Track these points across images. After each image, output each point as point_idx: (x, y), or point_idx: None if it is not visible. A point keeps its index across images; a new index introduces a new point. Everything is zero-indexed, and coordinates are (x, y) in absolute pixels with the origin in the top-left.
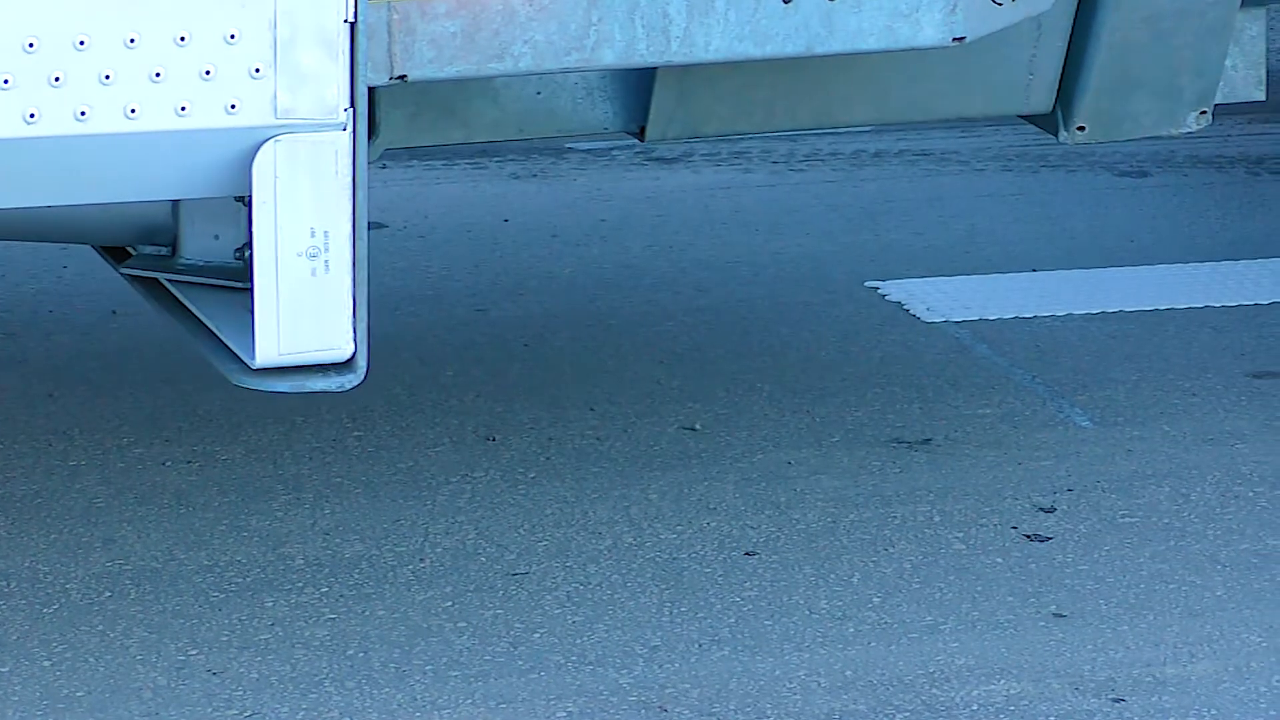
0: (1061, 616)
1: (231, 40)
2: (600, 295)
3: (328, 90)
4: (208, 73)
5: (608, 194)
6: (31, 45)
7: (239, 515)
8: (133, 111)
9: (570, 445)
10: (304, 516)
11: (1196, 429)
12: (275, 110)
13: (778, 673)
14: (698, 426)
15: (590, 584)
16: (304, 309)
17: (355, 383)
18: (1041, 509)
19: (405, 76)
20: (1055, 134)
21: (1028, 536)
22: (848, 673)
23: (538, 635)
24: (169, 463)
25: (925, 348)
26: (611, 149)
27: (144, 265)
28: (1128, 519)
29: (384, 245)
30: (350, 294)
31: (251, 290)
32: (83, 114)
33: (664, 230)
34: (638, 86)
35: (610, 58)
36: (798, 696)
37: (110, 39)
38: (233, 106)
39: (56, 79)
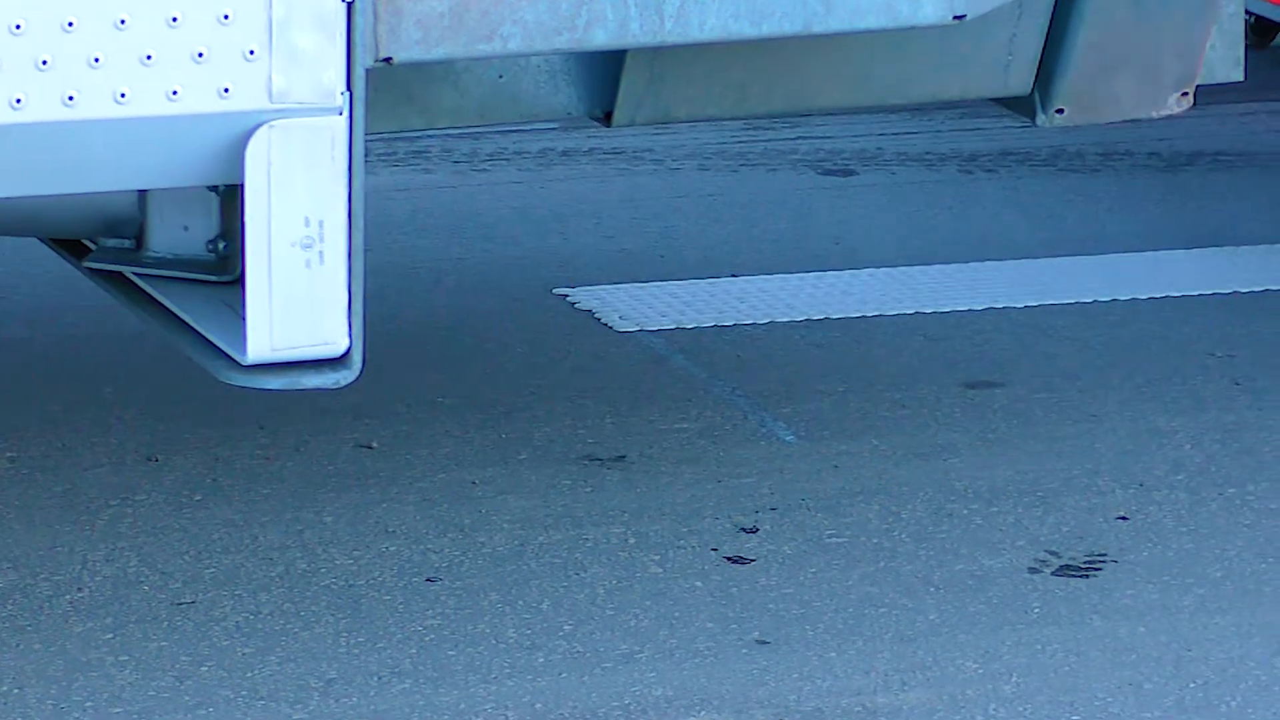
0: (765, 643)
1: (225, 21)
2: None
3: (324, 73)
4: (200, 55)
5: None
6: (18, 28)
7: None
8: (123, 96)
9: (238, 465)
10: None
11: (907, 443)
12: (270, 94)
13: (463, 706)
14: (375, 444)
15: (261, 613)
16: (297, 302)
17: (350, 379)
18: (743, 529)
19: (391, 59)
20: (1032, 117)
21: (729, 559)
22: (538, 705)
23: (205, 668)
24: None
25: (618, 358)
26: None
27: (108, 259)
28: (835, 539)
29: (43, 254)
30: (345, 286)
31: (242, 283)
32: (71, 99)
33: None
34: (604, 70)
35: (602, 38)
36: None
37: (99, 21)
38: (226, 90)
39: (44, 63)
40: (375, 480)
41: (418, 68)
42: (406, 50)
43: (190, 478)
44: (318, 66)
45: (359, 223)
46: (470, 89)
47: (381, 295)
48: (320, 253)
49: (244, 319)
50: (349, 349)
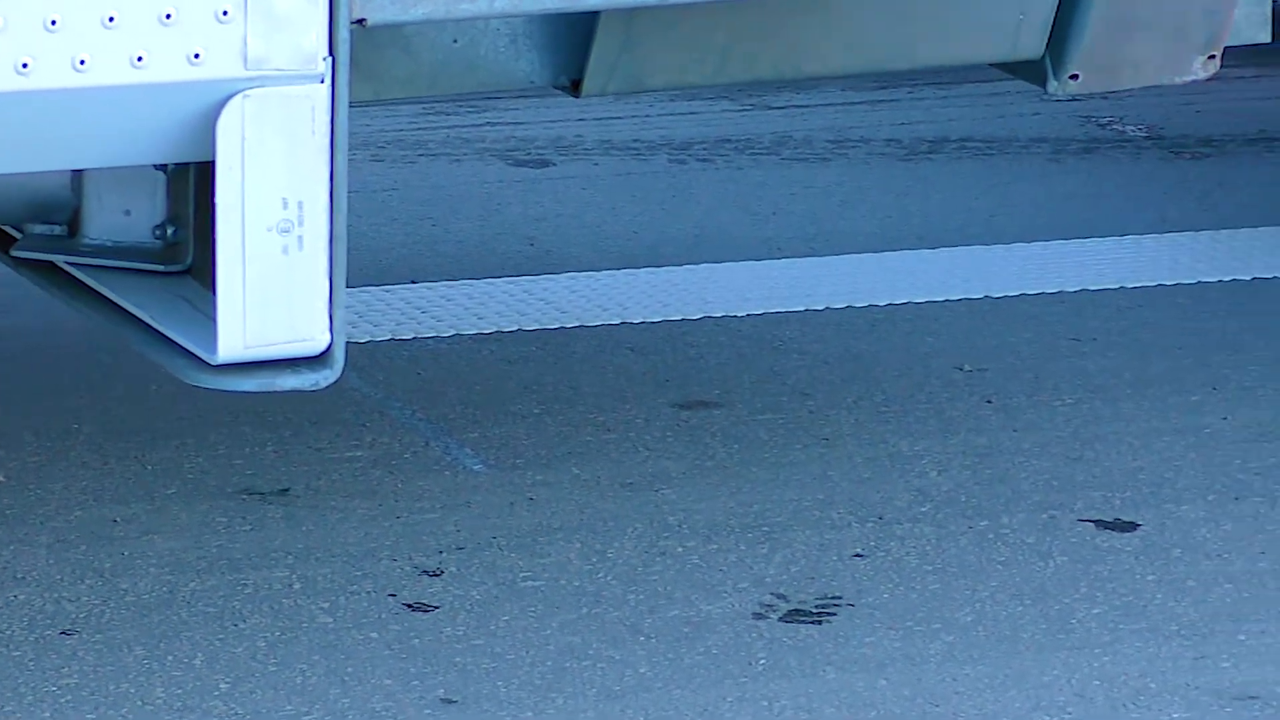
0: (451, 702)
1: None
2: None
3: (305, 36)
4: (168, 16)
5: None
6: None
7: None
8: (82, 63)
9: None
10: None
11: (613, 472)
12: (245, 60)
13: None
14: (1, 478)
15: None
16: (274, 294)
17: (331, 380)
18: (426, 572)
19: (364, 21)
20: (1043, 84)
21: (409, 605)
22: None
23: None
24: None
25: None
26: None
27: (38, 248)
28: (531, 582)
29: None
30: (327, 276)
31: (213, 273)
32: (25, 66)
33: None
34: (571, 33)
35: None
36: None
37: None
38: (196, 56)
39: None
40: (2, 520)
41: (368, 32)
42: (381, 11)
43: None
44: (298, 29)
45: (342, 205)
46: (422, 55)
47: (7, 307)
48: (299, 238)
49: (214, 313)
50: (330, 346)
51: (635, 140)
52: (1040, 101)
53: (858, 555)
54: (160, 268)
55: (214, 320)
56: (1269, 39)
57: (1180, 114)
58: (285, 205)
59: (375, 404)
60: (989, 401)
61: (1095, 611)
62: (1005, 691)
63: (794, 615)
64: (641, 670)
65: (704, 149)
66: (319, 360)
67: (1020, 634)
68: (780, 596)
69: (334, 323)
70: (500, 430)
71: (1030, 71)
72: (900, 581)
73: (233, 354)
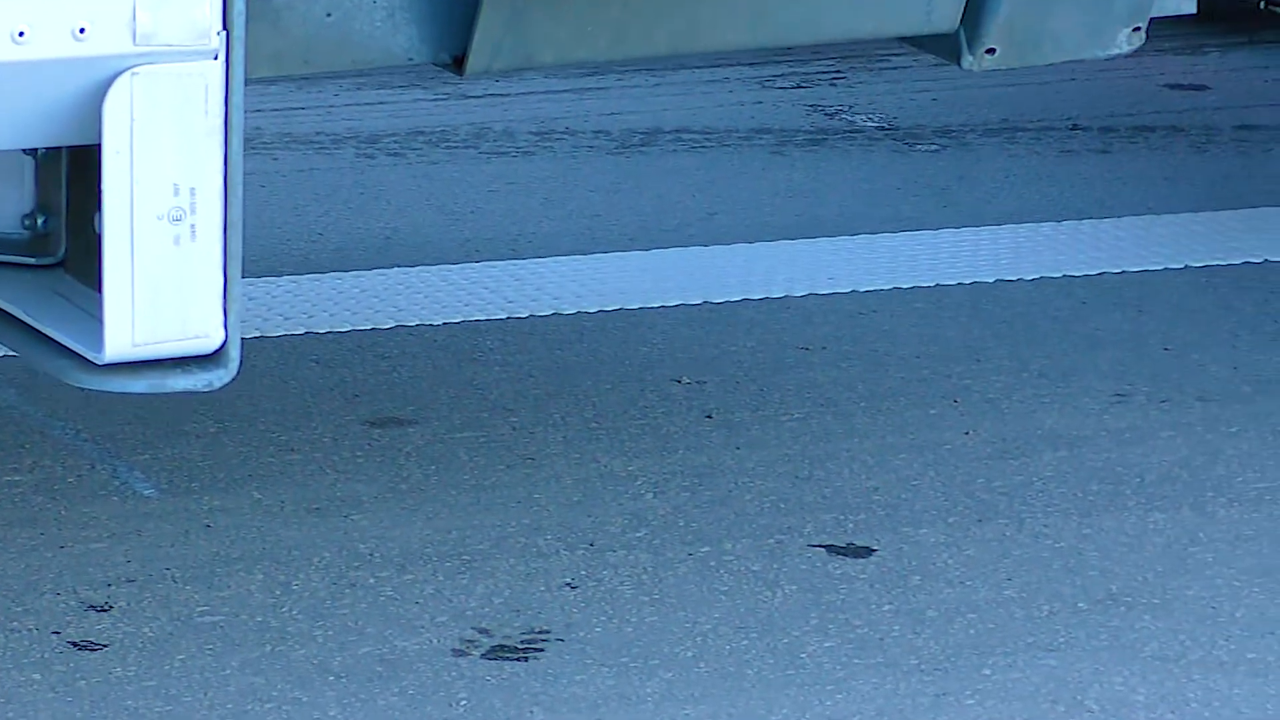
0: None
1: None
2: None
3: (197, 9)
4: None
5: None
6: None
7: None
8: None
9: None
10: None
11: (298, 495)
12: (134, 35)
13: None
14: None
15: None
16: (164, 287)
17: (226, 380)
18: (93, 607)
19: None
20: (957, 60)
21: (75, 644)
22: None
23: None
24: None
25: None
26: None
27: None
28: (209, 617)
29: None
30: (221, 267)
31: (99, 265)
32: None
33: None
34: (454, 7)
35: None
36: None
37: None
38: (81, 31)
39: None
40: None
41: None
42: None
43: None
44: (189, 2)
45: (237, 191)
46: (292, 30)
47: None
48: (191, 227)
49: (100, 309)
50: (224, 344)
51: (319, 132)
52: (762, 89)
53: (568, 585)
54: (30, 260)
55: (100, 317)
56: (1194, 9)
57: (915, 102)
58: (176, 192)
59: (36, 423)
60: (709, 416)
61: (827, 645)
62: None
63: (498, 651)
64: (331, 712)
65: (395, 142)
66: (211, 359)
67: (746, 670)
68: (483, 631)
69: (228, 318)
70: (173, 451)
71: (943, 46)
72: (614, 614)
73: (121, 353)
